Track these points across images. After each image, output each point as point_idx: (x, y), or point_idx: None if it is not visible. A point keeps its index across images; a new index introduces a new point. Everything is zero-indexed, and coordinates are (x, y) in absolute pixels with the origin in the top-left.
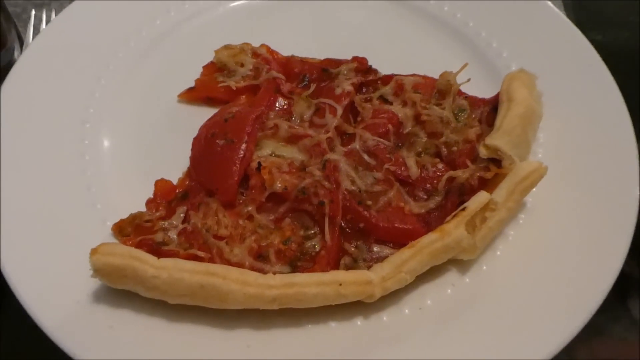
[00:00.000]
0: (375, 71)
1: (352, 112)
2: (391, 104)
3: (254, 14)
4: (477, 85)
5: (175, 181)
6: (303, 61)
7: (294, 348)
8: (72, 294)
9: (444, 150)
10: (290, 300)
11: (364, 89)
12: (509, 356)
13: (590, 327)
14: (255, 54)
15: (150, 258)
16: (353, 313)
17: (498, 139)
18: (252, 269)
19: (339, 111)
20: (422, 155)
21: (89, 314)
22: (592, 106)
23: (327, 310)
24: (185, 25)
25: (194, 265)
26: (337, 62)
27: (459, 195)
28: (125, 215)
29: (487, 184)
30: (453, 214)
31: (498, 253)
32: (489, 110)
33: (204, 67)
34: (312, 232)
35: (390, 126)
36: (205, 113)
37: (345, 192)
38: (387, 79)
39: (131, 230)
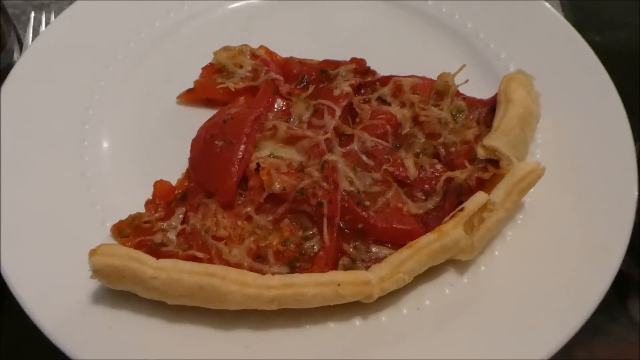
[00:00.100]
0: (373, 72)
1: (350, 113)
2: (389, 105)
3: (253, 15)
4: (475, 86)
5: (174, 182)
6: (302, 62)
7: (292, 348)
8: (71, 294)
9: (442, 151)
10: (289, 300)
11: (362, 90)
12: (508, 356)
13: (589, 327)
14: (253, 55)
15: (149, 259)
16: (352, 313)
17: (496, 140)
18: (251, 269)
19: (338, 112)
20: (421, 156)
21: (88, 315)
22: (590, 107)
23: (326, 311)
24: (184, 27)
25: (192, 266)
26: (336, 64)
27: (457, 195)
28: (124, 216)
29: (485, 185)
30: (451, 214)
31: (496, 253)
32: (487, 111)
33: (202, 68)
34: (311, 232)
35: (388, 127)
36: (204, 114)
37: (344, 193)
38: (385, 80)
39: (130, 231)
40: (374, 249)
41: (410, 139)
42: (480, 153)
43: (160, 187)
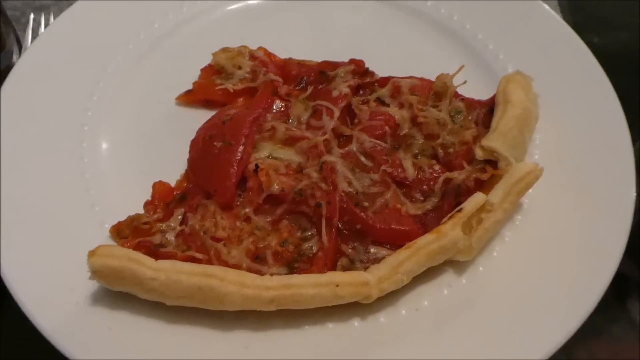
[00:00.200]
0: (372, 73)
1: (349, 114)
2: (388, 106)
3: (252, 16)
4: (474, 87)
5: (173, 183)
6: (300, 64)
7: (291, 349)
8: (70, 296)
9: (441, 151)
10: (287, 301)
11: (361, 91)
12: (506, 356)
13: (589, 328)
14: (252, 56)
15: (148, 260)
16: (350, 314)
17: (494, 141)
18: (250, 270)
19: (336, 113)
20: (419, 156)
21: (87, 316)
22: (588, 108)
23: (325, 312)
24: (183, 28)
25: (191, 267)
26: (334, 65)
27: (455, 196)
28: (123, 218)
29: (483, 186)
30: (449, 215)
31: (494, 254)
32: (486, 112)
33: (201, 69)
34: (309, 233)
35: (387, 128)
36: (203, 115)
37: (342, 194)
38: (384, 81)
39: (129, 232)
40: (372, 250)
41: (409, 140)
42: (479, 154)
43: (159, 188)
